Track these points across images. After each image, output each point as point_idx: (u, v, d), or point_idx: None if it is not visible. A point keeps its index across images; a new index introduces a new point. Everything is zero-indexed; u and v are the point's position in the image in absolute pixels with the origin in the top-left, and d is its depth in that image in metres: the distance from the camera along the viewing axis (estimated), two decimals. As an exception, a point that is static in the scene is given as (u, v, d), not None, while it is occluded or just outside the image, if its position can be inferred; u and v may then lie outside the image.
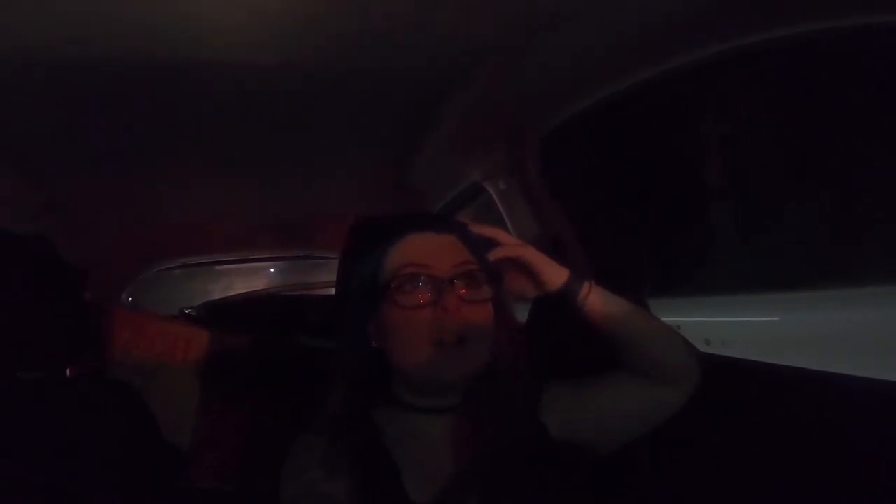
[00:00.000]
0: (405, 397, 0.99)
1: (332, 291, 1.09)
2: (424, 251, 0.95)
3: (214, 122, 1.33)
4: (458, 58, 1.15)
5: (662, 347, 1.03)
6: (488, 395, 0.98)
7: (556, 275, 1.02)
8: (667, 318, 1.11)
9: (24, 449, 1.18)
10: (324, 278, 3.11)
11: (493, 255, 1.02)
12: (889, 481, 0.97)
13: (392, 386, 1.01)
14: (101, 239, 2.13)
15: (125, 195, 1.83)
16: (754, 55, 1.06)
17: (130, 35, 0.95)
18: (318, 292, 2.94)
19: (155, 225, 2.24)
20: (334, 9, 0.96)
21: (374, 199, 2.16)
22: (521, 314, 1.70)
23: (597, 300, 1.01)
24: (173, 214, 2.15)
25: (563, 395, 1.06)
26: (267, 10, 0.94)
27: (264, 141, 1.49)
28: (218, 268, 4.08)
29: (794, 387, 1.18)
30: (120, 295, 2.68)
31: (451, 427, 0.97)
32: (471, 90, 1.28)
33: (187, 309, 2.29)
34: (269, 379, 1.38)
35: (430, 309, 0.92)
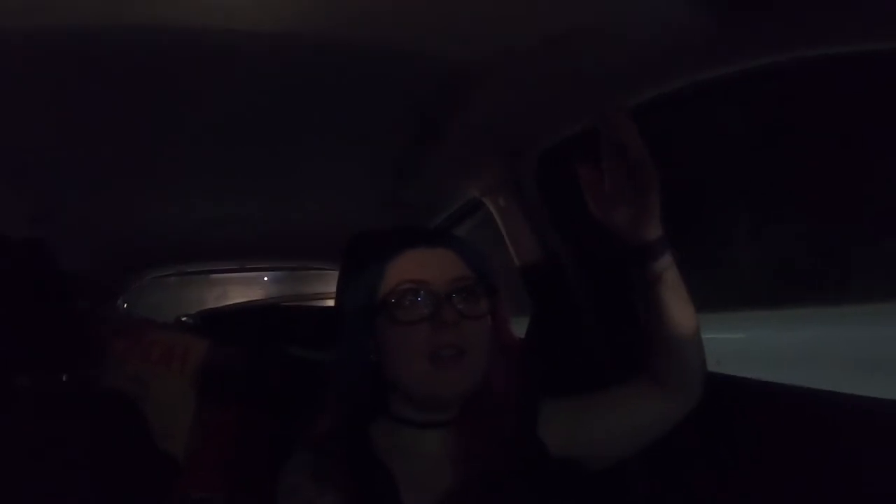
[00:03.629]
0: (401, 412, 0.99)
1: (328, 302, 1.10)
2: (422, 266, 0.96)
3: (211, 130, 1.34)
4: (459, 73, 1.16)
5: (696, 358, 1.02)
6: (484, 411, 0.98)
7: (656, 225, 0.95)
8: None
9: (17, 455, 1.18)
10: (321, 289, 3.11)
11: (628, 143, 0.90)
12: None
13: (388, 400, 1.00)
14: (97, 246, 2.13)
15: (120, 202, 1.83)
16: (752, 79, 1.07)
17: (125, 39, 0.95)
18: (314, 303, 2.94)
19: (150, 232, 2.23)
20: (332, 20, 0.97)
21: (372, 212, 2.16)
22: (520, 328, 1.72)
23: (673, 277, 0.96)
24: (169, 222, 2.15)
25: (561, 411, 1.06)
26: (262, 20, 0.95)
27: (262, 151, 1.49)
28: (213, 276, 4.08)
29: (790, 404, 1.18)
30: (115, 302, 2.67)
31: (447, 442, 0.97)
32: (471, 106, 1.28)
33: (184, 317, 2.29)
34: (264, 390, 1.38)
35: (427, 324, 0.92)
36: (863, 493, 1.00)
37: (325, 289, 2.84)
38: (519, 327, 1.67)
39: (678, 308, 0.97)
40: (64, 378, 1.29)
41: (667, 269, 0.96)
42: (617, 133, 0.91)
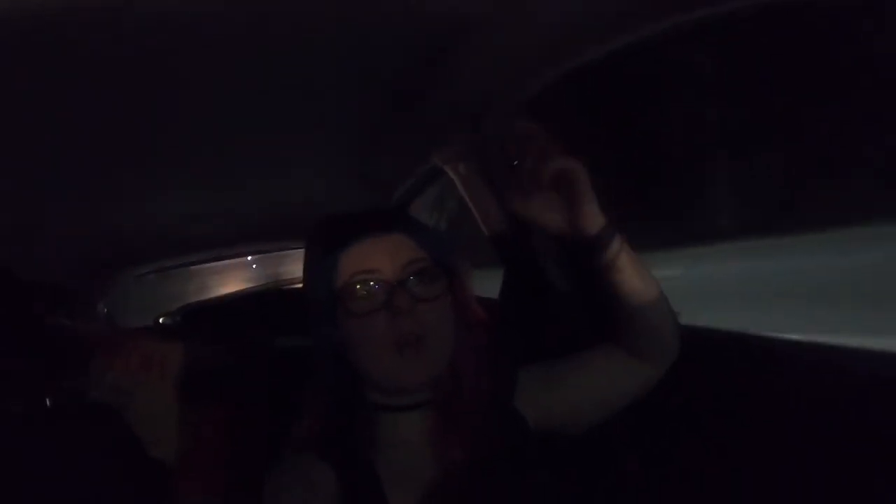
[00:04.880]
0: (375, 398, 1.00)
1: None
2: (372, 254, 0.96)
3: (173, 121, 1.31)
4: (427, 38, 1.14)
5: (664, 323, 1.04)
6: (458, 391, 0.99)
7: (595, 216, 0.95)
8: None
9: (15, 480, 1.19)
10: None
11: (541, 165, 0.92)
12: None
13: (363, 389, 1.02)
14: (69, 252, 2.11)
15: (90, 204, 1.80)
16: (722, 23, 1.06)
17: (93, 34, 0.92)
18: (296, 285, 2.94)
19: (122, 233, 2.21)
20: None
21: (338, 189, 2.15)
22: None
23: (626, 259, 0.97)
24: (140, 220, 2.13)
25: (536, 379, 1.08)
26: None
27: (224, 136, 1.47)
28: (193, 268, 4.06)
29: (774, 358, 1.18)
30: (95, 308, 2.66)
31: (425, 425, 0.99)
32: (428, 73, 1.27)
33: (162, 318, 2.29)
34: (250, 386, 1.39)
35: (383, 313, 0.93)
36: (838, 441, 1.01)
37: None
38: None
39: (637, 284, 0.99)
40: (48, 401, 1.29)
41: (618, 253, 0.96)
42: (530, 147, 0.93)
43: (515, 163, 0.97)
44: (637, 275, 0.99)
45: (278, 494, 0.93)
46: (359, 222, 1.02)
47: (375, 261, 0.95)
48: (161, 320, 2.31)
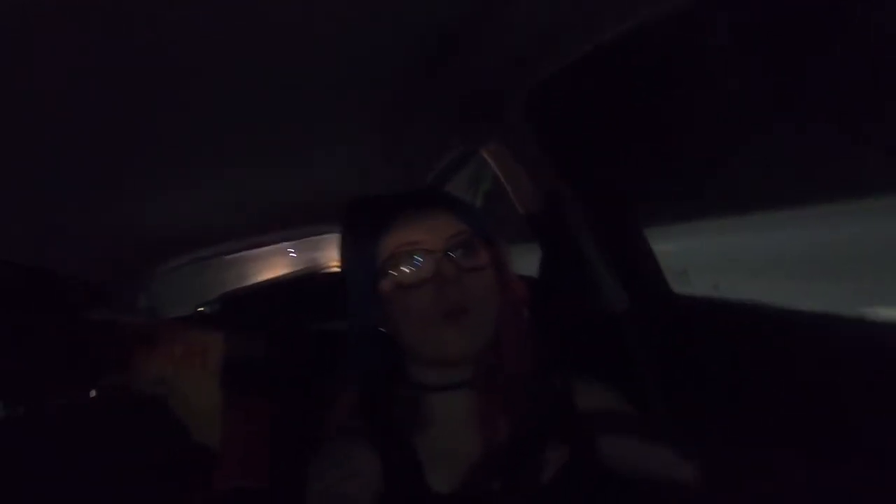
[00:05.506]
0: (418, 377, 1.00)
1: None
2: (415, 228, 0.96)
3: (205, 110, 1.31)
4: (438, 24, 1.13)
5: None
6: (499, 367, 0.98)
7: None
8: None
9: (61, 474, 1.21)
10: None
11: None
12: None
13: (404, 367, 1.01)
14: (104, 249, 2.13)
15: (120, 199, 1.82)
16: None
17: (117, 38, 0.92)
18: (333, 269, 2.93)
19: (156, 225, 2.23)
20: None
21: (371, 173, 2.15)
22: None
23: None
24: (172, 211, 2.14)
25: (599, 400, 1.05)
26: None
27: (255, 122, 1.47)
28: (229, 257, 4.11)
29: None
30: (136, 301, 2.69)
31: (466, 405, 0.97)
32: (452, 57, 1.26)
33: (201, 307, 2.31)
34: (289, 372, 1.39)
35: (430, 284, 0.92)
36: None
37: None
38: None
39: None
40: (92, 393, 1.32)
41: None
42: None
43: None
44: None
45: (321, 479, 0.93)
46: (399, 199, 1.02)
47: (419, 234, 0.95)
48: (200, 309, 2.33)
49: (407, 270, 0.94)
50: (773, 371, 1.21)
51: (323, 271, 2.99)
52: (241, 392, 1.32)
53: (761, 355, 1.25)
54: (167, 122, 1.32)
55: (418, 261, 0.94)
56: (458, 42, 1.19)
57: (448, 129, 1.71)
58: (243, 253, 3.38)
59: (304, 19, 0.99)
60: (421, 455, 0.94)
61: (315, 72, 1.23)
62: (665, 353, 1.51)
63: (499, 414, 0.97)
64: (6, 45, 0.88)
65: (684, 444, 0.99)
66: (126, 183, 1.66)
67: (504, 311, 0.99)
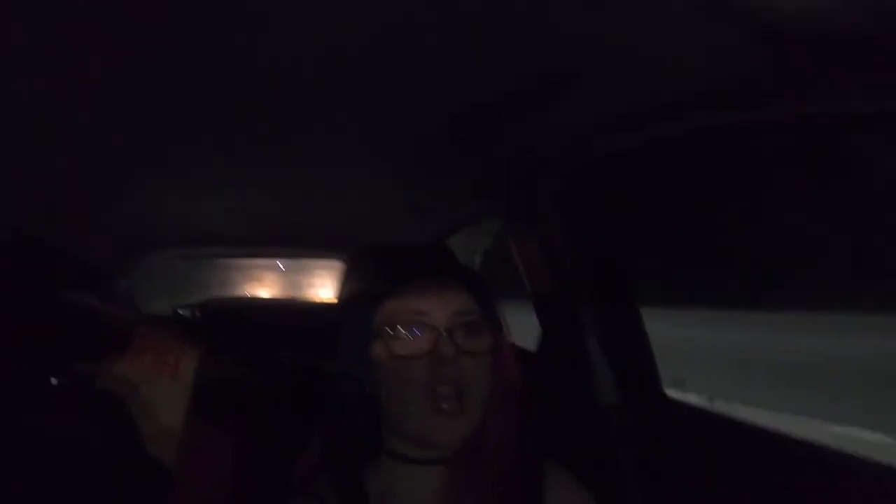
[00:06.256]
0: (393, 446, 0.94)
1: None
2: (423, 296, 0.90)
3: (226, 113, 1.29)
4: (481, 94, 1.12)
5: None
6: (484, 451, 0.93)
7: None
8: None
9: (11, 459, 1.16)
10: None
11: None
12: None
13: (383, 435, 0.96)
14: (98, 225, 2.09)
15: (120, 181, 1.79)
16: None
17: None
18: (321, 301, 2.87)
19: (158, 212, 2.20)
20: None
21: (380, 211, 2.13)
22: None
23: None
24: (176, 203, 2.11)
25: (567, 489, 1.01)
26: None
27: (277, 137, 1.45)
28: (221, 261, 4.06)
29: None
30: (117, 285, 2.64)
31: (443, 482, 0.92)
32: (495, 122, 1.25)
33: (181, 308, 2.24)
34: (262, 406, 1.34)
35: (426, 359, 0.87)
36: None
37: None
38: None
39: None
40: (54, 381, 1.26)
41: None
42: None
43: None
44: None
45: None
46: (412, 258, 0.98)
47: (427, 303, 0.90)
48: (180, 311, 2.26)
49: (405, 339, 0.89)
50: (752, 492, 1.19)
51: (317, 302, 2.94)
52: (209, 413, 1.27)
53: (743, 475, 1.23)
54: (191, 117, 1.30)
55: (418, 332, 0.89)
56: (504, 109, 1.18)
57: (471, 192, 1.70)
58: (237, 260, 3.34)
59: (350, 45, 0.97)
60: None
61: (348, 102, 1.21)
62: (647, 455, 1.48)
63: (469, 495, 0.92)
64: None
65: None
66: (123, 169, 1.63)
67: (495, 398, 0.94)
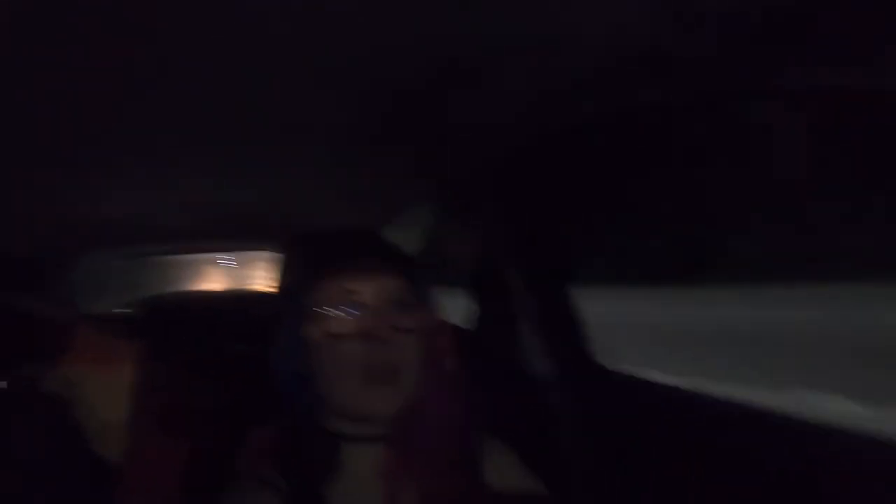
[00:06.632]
0: (334, 425, 0.97)
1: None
2: (357, 277, 0.93)
3: (161, 105, 1.28)
4: (425, 68, 1.13)
5: None
6: (419, 430, 0.97)
7: None
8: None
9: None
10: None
11: None
12: None
13: (321, 411, 0.98)
14: (33, 229, 2.05)
15: (54, 181, 1.76)
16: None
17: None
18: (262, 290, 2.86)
19: (95, 213, 2.16)
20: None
21: (318, 200, 2.13)
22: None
23: None
24: (111, 203, 2.07)
25: (505, 464, 1.05)
26: None
27: (211, 130, 1.44)
28: (164, 258, 4.00)
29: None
30: (60, 288, 2.59)
31: (381, 459, 0.95)
32: (430, 102, 1.26)
33: (124, 307, 2.22)
34: (207, 398, 1.35)
35: (359, 338, 0.90)
36: None
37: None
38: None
39: None
40: (3, 384, 1.25)
41: None
42: None
43: None
44: None
45: None
46: (344, 240, 1.01)
47: (358, 283, 0.93)
48: (123, 310, 2.25)
49: (338, 319, 0.92)
50: (684, 455, 1.23)
51: (258, 292, 2.92)
52: (153, 408, 1.28)
53: (676, 437, 1.28)
54: (126, 114, 1.29)
55: (352, 312, 0.92)
56: (433, 97, 1.20)
57: (408, 175, 1.72)
58: (179, 256, 3.30)
59: (287, 32, 0.98)
60: None
61: (286, 90, 1.22)
62: (584, 425, 1.52)
63: (409, 474, 0.95)
64: None
65: None
66: (63, 167, 1.60)
67: (429, 373, 0.98)
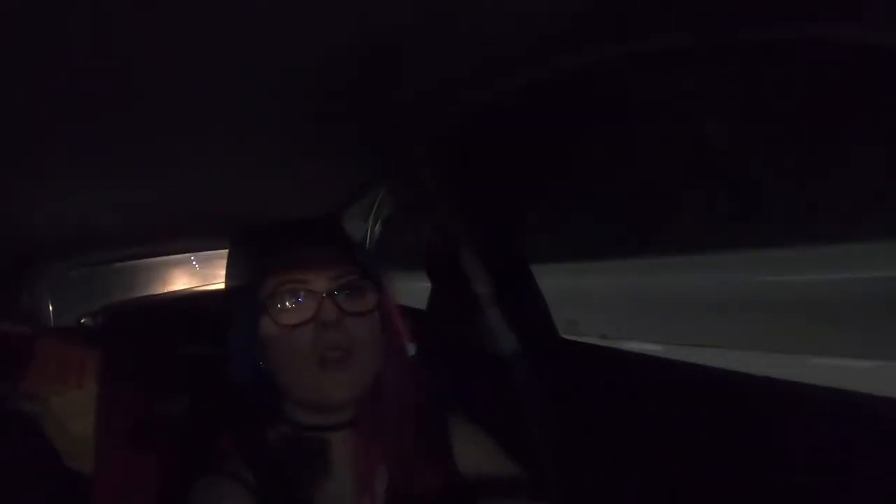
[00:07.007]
0: (296, 416, 0.98)
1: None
2: (301, 265, 0.94)
3: (100, 108, 1.26)
4: (363, 49, 1.13)
5: None
6: (382, 413, 0.98)
7: None
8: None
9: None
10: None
11: None
12: None
13: (283, 405, 0.99)
14: None
15: (12, 194, 1.73)
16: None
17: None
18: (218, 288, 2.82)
19: (50, 224, 2.13)
20: None
21: (271, 192, 2.12)
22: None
23: None
24: (64, 212, 2.04)
25: (473, 443, 1.07)
26: None
27: (158, 128, 1.43)
28: (124, 264, 3.94)
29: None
30: (19, 302, 2.55)
31: (346, 446, 0.97)
32: (366, 86, 1.26)
33: (84, 318, 2.20)
34: (175, 401, 1.34)
35: (311, 325, 0.91)
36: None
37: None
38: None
39: None
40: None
41: None
42: None
43: None
44: None
45: None
46: (288, 231, 1.01)
47: (305, 271, 0.94)
48: (83, 321, 2.23)
49: (289, 308, 0.93)
50: (656, 422, 1.24)
51: (214, 290, 2.90)
52: (121, 413, 1.27)
53: (645, 406, 1.29)
54: (64, 116, 1.27)
55: (300, 300, 0.93)
56: (371, 72, 1.20)
57: (353, 159, 1.72)
58: (140, 262, 3.25)
59: (224, 24, 0.98)
60: (298, 497, 0.93)
61: (226, 80, 1.21)
62: (549, 398, 1.54)
63: (378, 457, 0.97)
64: None
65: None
66: (12, 177, 1.58)
67: (386, 356, 0.99)
